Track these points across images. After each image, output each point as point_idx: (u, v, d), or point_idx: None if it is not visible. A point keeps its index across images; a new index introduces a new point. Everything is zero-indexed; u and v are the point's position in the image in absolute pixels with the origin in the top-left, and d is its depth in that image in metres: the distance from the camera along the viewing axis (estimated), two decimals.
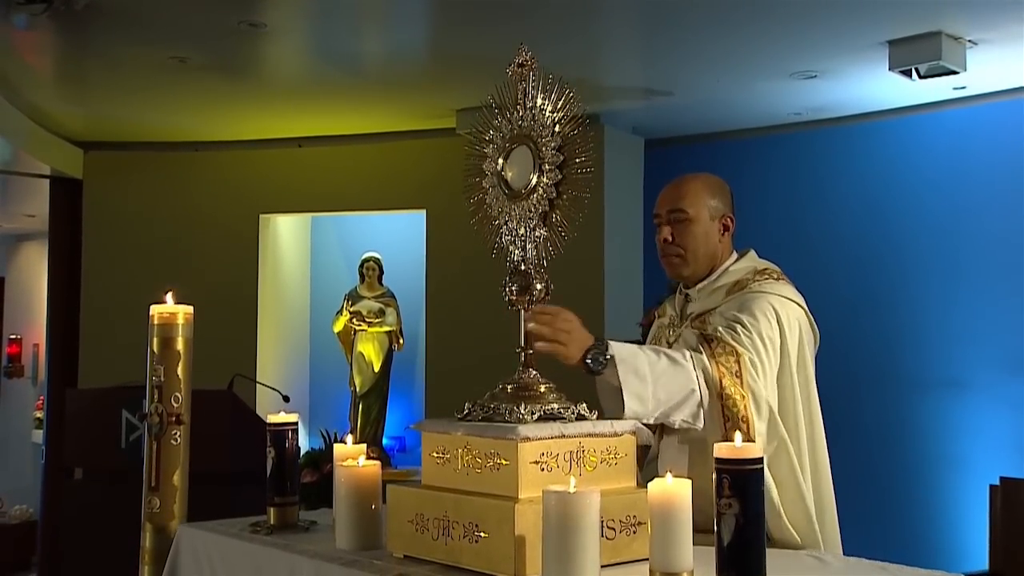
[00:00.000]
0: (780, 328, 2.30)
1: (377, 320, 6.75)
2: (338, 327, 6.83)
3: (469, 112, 5.68)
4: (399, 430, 6.93)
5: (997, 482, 3.76)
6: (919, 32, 4.28)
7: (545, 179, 2.02)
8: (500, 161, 2.10)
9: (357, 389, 6.72)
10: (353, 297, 6.83)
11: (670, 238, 2.43)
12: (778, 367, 2.28)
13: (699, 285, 2.47)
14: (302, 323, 7.23)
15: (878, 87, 5.16)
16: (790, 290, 2.40)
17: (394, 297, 6.84)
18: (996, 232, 5.30)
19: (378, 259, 6.87)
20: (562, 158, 2.00)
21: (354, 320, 6.75)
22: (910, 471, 5.36)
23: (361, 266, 6.87)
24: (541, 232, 2.04)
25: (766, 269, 2.44)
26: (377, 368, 6.71)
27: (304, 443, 6.20)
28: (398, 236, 6.98)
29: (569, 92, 2.01)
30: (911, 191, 5.63)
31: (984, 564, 3.64)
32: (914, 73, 4.33)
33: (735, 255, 2.50)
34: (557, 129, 2.01)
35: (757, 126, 6.08)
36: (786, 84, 5.21)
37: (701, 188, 2.44)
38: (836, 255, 5.85)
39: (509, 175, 2.09)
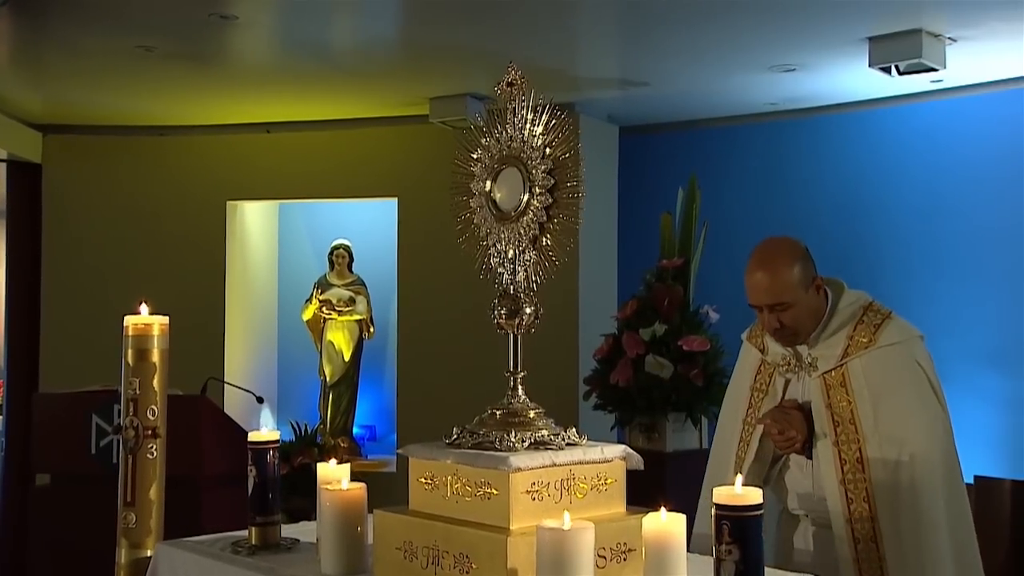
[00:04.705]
0: (934, 390, 2.55)
1: (347, 308, 6.68)
2: (307, 315, 6.75)
3: (443, 100, 5.59)
4: (370, 419, 6.89)
5: (971, 480, 3.78)
6: (899, 29, 4.27)
7: (535, 202, 1.97)
8: (488, 183, 2.05)
9: (327, 378, 6.66)
10: (322, 285, 6.75)
11: (779, 325, 2.52)
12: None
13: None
14: (270, 311, 7.12)
15: (855, 78, 5.15)
16: (907, 324, 2.58)
17: (364, 285, 6.77)
18: (973, 224, 5.29)
19: (348, 246, 6.78)
20: (552, 181, 1.96)
21: (324, 308, 6.67)
22: None
23: (331, 253, 6.78)
24: (531, 255, 2.00)
25: (872, 304, 2.59)
26: (347, 357, 6.66)
27: None
28: (368, 223, 6.89)
29: (560, 113, 1.97)
30: (888, 182, 5.62)
31: None
32: (894, 70, 4.32)
33: (830, 294, 2.61)
34: (548, 152, 1.97)
35: (732, 115, 6.05)
36: (764, 77, 5.18)
37: (787, 272, 2.50)
38: (811, 244, 5.81)
39: (498, 196, 2.04)
